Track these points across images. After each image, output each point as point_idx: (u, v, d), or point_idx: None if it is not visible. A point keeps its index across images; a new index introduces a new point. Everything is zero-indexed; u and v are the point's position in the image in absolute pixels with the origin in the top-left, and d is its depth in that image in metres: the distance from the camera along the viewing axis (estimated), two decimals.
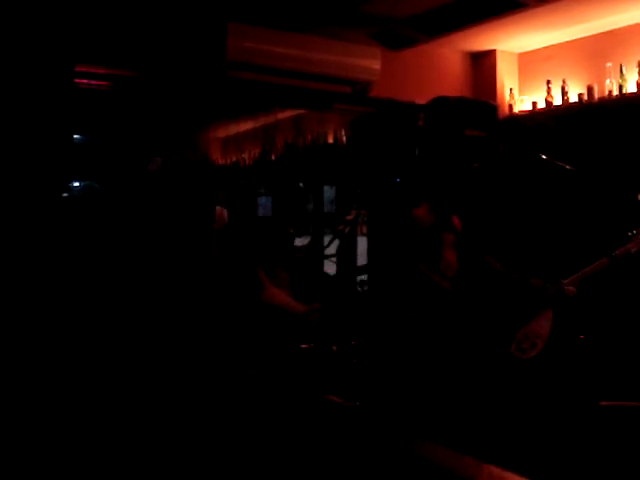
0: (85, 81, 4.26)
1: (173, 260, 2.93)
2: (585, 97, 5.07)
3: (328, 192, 6.57)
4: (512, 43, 5.51)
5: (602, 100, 4.98)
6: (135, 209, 3.13)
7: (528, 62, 5.69)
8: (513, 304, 2.89)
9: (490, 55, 5.71)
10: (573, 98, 5.17)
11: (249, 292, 3.17)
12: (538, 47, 5.56)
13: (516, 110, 5.59)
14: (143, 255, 2.95)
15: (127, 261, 2.96)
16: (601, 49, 5.07)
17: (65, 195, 3.96)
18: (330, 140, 5.94)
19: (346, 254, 5.69)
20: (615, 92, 4.89)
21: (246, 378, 2.93)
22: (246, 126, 6.36)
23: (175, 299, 2.88)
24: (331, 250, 5.21)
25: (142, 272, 2.92)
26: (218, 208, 3.85)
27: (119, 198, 3.24)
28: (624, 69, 4.83)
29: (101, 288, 3.02)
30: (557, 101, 5.29)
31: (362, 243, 5.80)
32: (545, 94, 5.34)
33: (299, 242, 6.06)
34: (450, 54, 5.71)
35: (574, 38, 5.25)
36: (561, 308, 2.94)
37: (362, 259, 5.85)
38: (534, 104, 5.47)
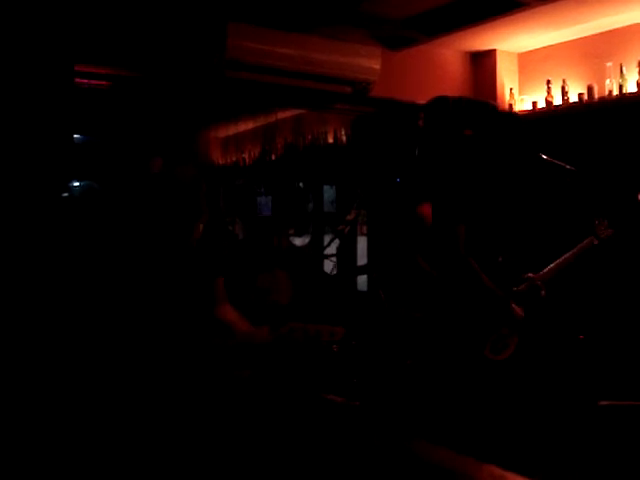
0: (85, 81, 4.26)
1: (164, 262, 2.93)
2: (585, 97, 5.07)
3: (328, 192, 6.58)
4: (512, 43, 5.51)
5: (602, 100, 4.98)
6: (132, 210, 3.12)
7: (528, 62, 5.69)
8: (484, 309, 2.93)
9: (490, 55, 5.71)
10: (573, 98, 5.17)
11: (202, 306, 3.05)
12: (538, 47, 5.55)
13: (516, 110, 5.59)
14: (138, 257, 2.94)
15: (123, 262, 2.96)
16: (601, 49, 5.07)
17: (65, 195, 3.97)
18: (330, 140, 5.94)
19: (346, 254, 5.69)
20: (615, 92, 4.89)
21: (244, 378, 2.92)
22: (246, 126, 6.36)
23: (168, 301, 2.88)
24: (331, 250, 5.21)
25: (137, 273, 2.91)
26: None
27: (118, 198, 3.23)
28: (624, 69, 4.83)
29: (99, 288, 3.01)
30: (557, 101, 5.29)
31: (362, 243, 5.81)
32: (545, 94, 5.34)
33: (299, 242, 6.06)
34: (450, 54, 5.71)
35: (574, 38, 5.25)
36: (533, 306, 2.97)
37: (362, 259, 5.85)
38: (534, 104, 5.47)
